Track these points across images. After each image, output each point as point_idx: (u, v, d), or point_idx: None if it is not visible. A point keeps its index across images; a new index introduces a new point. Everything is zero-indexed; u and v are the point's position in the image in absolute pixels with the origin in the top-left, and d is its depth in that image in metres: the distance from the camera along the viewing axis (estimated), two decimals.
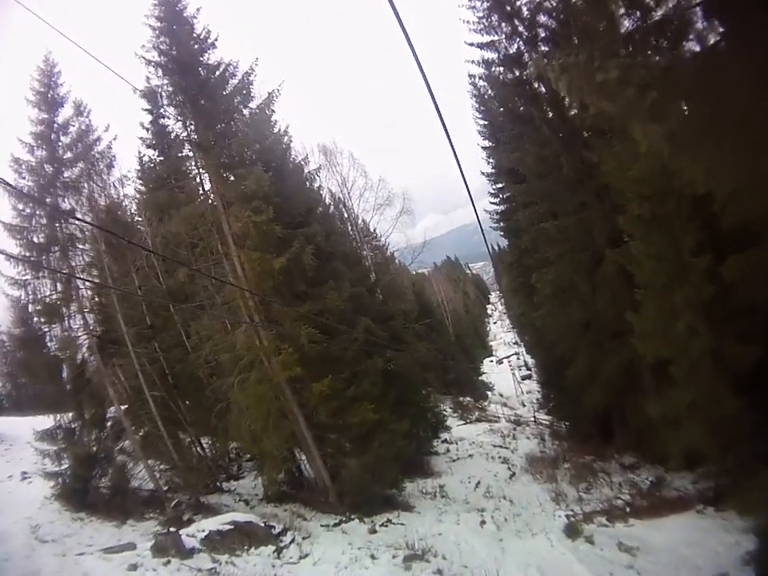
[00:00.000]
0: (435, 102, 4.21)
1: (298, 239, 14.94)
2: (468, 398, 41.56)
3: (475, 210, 7.45)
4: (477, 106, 26.08)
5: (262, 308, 15.14)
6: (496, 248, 55.08)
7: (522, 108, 18.13)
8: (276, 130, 19.02)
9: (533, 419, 32.95)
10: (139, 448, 16.50)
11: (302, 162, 21.12)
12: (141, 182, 22.00)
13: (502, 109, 21.24)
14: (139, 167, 21.53)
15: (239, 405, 14.88)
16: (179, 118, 16.41)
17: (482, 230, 13.12)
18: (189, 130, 16.43)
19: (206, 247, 16.36)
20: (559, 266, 16.21)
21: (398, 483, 16.92)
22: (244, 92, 15.96)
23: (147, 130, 19.39)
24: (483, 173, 26.24)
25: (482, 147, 26.16)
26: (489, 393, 48.02)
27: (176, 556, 10.42)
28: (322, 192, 26.14)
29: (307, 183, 21.48)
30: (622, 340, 15.70)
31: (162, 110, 16.87)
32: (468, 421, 34.74)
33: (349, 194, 29.47)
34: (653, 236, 11.45)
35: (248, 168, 15.49)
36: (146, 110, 18.05)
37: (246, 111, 16.61)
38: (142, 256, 18.21)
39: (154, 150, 19.99)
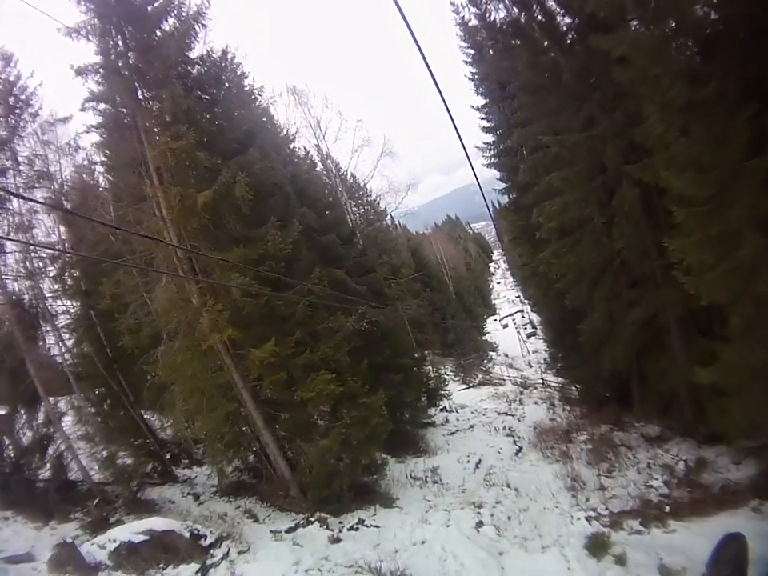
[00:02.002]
0: (425, 59, 4.14)
1: (229, 168, 11.63)
2: (471, 360, 38.90)
3: (473, 168, 6.94)
4: (462, 35, 22.36)
5: (187, 257, 11.97)
6: (497, 206, 52.14)
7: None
8: (216, 55, 15.47)
9: (540, 381, 30.32)
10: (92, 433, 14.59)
11: (254, 89, 17.70)
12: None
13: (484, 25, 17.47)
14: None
15: (163, 380, 12.08)
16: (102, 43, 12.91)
17: (479, 186, 10.21)
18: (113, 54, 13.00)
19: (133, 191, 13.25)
20: (566, 195, 12.87)
21: (377, 469, 14.05)
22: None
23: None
24: (473, 106, 22.60)
25: (470, 78, 22.55)
26: (493, 353, 45.51)
27: (74, 573, 8.83)
28: (286, 130, 22.72)
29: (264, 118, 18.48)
30: (647, 286, 12.72)
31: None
32: (471, 385, 32.60)
33: (324, 137, 25.96)
34: (692, 132, 8.16)
35: (167, 87, 12.13)
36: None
37: (169, 22, 13.08)
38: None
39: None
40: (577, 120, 12.97)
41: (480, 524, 11.00)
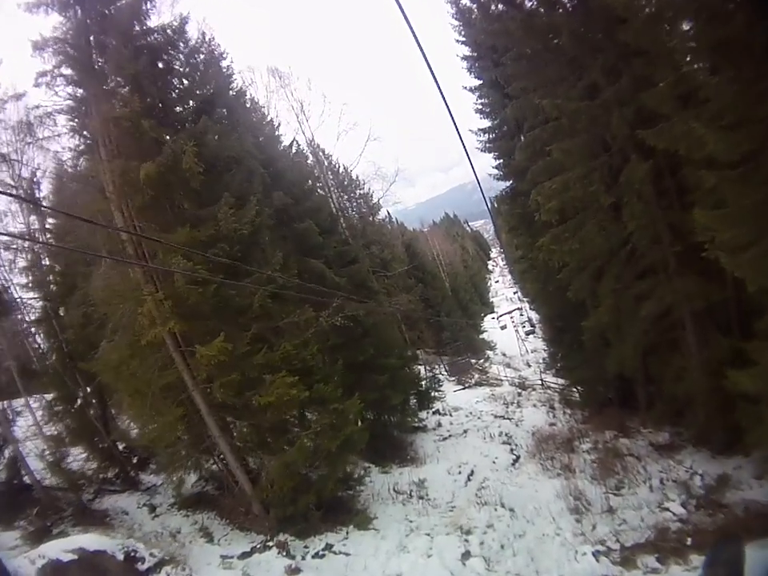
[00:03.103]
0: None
1: (178, 138, 10.03)
2: (467, 359, 37.24)
3: (472, 165, 6.43)
4: (454, 12, 20.74)
5: (131, 240, 10.40)
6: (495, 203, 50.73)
7: None
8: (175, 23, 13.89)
9: (539, 382, 28.79)
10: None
11: (232, 71, 16.38)
12: None
13: None
14: None
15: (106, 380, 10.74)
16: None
17: (478, 182, 8.48)
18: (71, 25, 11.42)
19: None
20: (567, 172, 11.23)
21: (354, 483, 12.42)
22: None
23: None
24: (465, 87, 20.95)
25: (463, 57, 20.94)
26: (490, 352, 43.81)
27: None
28: (269, 116, 21.03)
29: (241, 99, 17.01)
30: (659, 277, 11.30)
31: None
32: (466, 385, 30.68)
33: (307, 120, 24.35)
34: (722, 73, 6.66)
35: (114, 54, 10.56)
36: None
37: None
38: None
39: None
40: (577, 90, 11.38)
41: (467, 555, 9.42)
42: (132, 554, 9.03)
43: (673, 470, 11.84)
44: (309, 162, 25.05)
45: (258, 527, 10.96)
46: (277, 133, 20.87)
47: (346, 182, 34.17)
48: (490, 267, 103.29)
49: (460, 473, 14.69)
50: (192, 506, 12.23)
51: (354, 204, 34.34)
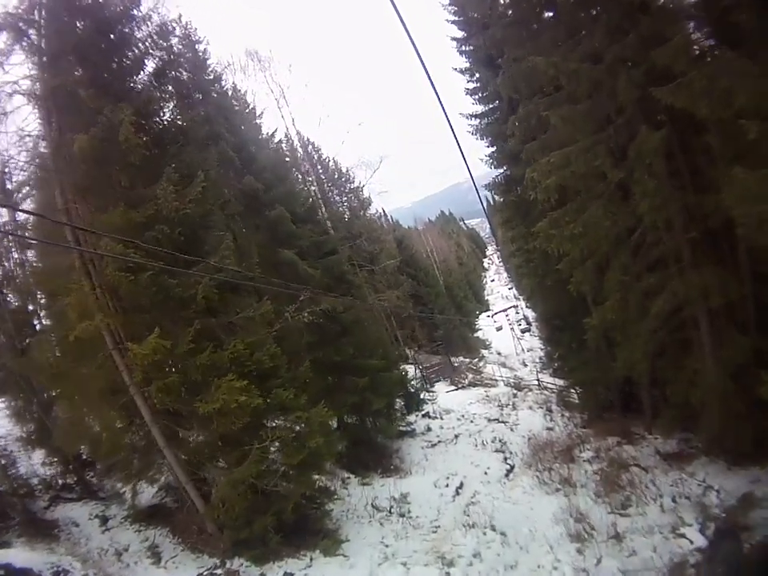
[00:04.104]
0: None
1: (117, 107, 8.59)
2: (461, 358, 36.01)
3: (466, 163, 6.33)
4: None
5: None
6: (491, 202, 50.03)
7: None
8: None
9: (536, 382, 27.71)
10: None
11: (208, 54, 15.32)
12: None
13: None
14: None
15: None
16: None
17: (473, 179, 8.14)
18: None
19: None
20: (568, 145, 9.75)
21: (323, 500, 10.95)
22: None
23: None
24: (456, 68, 19.55)
25: (454, 38, 19.57)
26: (485, 351, 42.62)
27: None
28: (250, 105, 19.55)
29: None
30: (670, 269, 10.20)
31: None
32: (459, 386, 29.37)
33: (288, 105, 22.97)
34: None
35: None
36: None
37: None
38: None
39: None
40: (577, 53, 9.91)
41: None
42: (61, 574, 8.24)
43: (684, 484, 10.49)
44: (287, 147, 23.65)
45: (211, 549, 9.61)
46: (258, 121, 19.48)
47: (336, 176, 33.64)
48: (485, 265, 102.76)
49: (448, 485, 13.25)
50: (146, 520, 10.84)
51: (345, 198, 33.66)
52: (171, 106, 11.19)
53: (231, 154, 14.74)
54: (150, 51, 10.50)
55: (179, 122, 10.95)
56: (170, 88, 13.28)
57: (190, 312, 8.73)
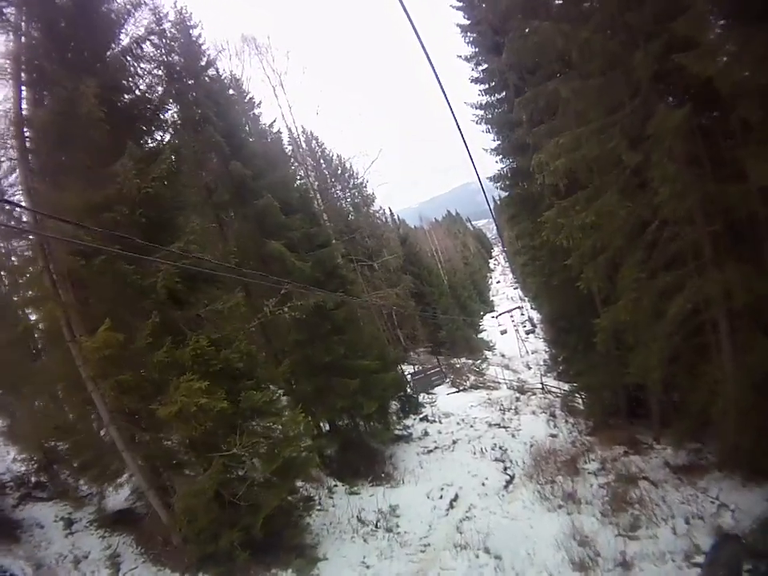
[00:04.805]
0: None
1: (78, 77, 7.73)
2: (463, 360, 35.09)
3: (474, 165, 6.33)
4: None
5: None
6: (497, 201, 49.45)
7: None
8: None
9: (540, 386, 26.94)
10: None
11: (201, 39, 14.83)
12: None
13: None
14: None
15: None
16: None
17: (479, 178, 7.63)
18: None
19: None
20: (582, 123, 8.76)
21: (301, 513, 10.01)
22: None
23: None
24: (460, 56, 18.62)
25: (459, 25, 18.69)
26: (489, 353, 41.63)
27: None
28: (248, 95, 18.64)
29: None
30: (688, 266, 9.25)
31: None
32: (461, 388, 28.48)
33: (285, 94, 22.12)
34: None
35: None
36: None
37: None
38: None
39: None
40: (589, 25, 8.92)
41: None
42: None
43: (696, 502, 9.64)
44: (287, 137, 22.82)
45: (175, 563, 8.74)
46: (256, 111, 18.55)
47: (339, 171, 32.92)
48: (491, 266, 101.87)
49: (441, 497, 12.33)
50: (112, 526, 9.98)
51: (348, 194, 33.09)
52: (147, 83, 10.27)
53: (218, 138, 13.81)
54: (124, 20, 9.65)
55: (149, 96, 9.98)
56: (161, 73, 12.78)
57: (150, 303, 7.79)
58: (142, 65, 10.09)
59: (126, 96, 9.35)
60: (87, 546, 9.39)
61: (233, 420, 8.15)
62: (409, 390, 19.65)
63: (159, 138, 9.71)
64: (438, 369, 21.11)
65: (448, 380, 25.28)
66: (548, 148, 8.93)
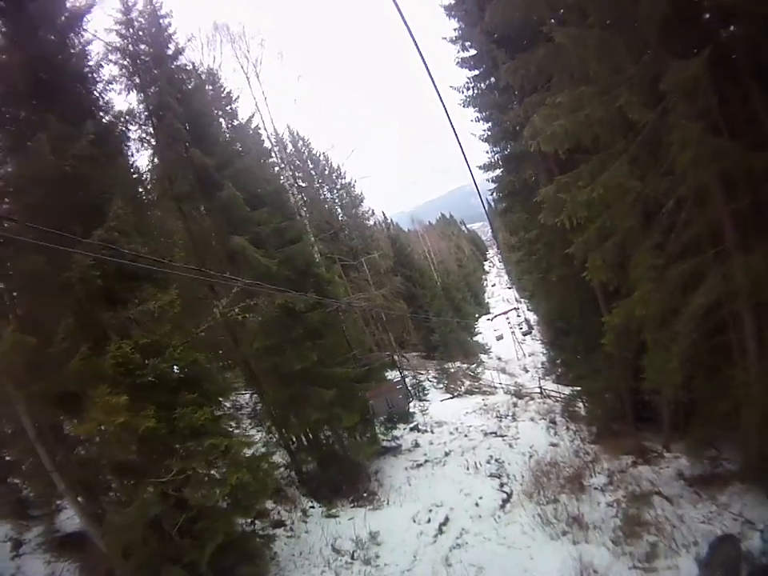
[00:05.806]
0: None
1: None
2: (458, 364, 33.98)
3: (469, 169, 6.30)
4: None
5: None
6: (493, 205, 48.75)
7: None
8: None
9: (538, 390, 25.73)
10: None
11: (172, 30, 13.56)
12: None
13: None
14: None
15: None
16: None
17: (474, 180, 7.25)
18: None
19: None
20: (583, 83, 7.38)
21: (257, 545, 8.60)
22: None
23: None
24: (446, 38, 17.41)
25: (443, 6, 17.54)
26: (484, 356, 40.50)
27: None
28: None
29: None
30: (708, 255, 7.98)
31: None
32: (456, 394, 27.38)
33: (258, 77, 20.70)
34: None
35: None
36: None
37: None
38: None
39: None
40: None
41: None
42: None
43: (717, 520, 8.48)
44: (264, 131, 21.48)
45: None
46: (233, 105, 17.23)
47: (326, 171, 32.71)
48: (486, 268, 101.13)
49: (429, 520, 11.02)
50: (58, 550, 9.10)
51: (336, 194, 33.08)
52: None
53: (179, 126, 12.52)
54: None
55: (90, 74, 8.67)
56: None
57: (71, 300, 6.39)
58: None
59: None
60: (32, 571, 8.78)
61: (170, 440, 6.76)
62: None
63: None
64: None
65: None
66: (544, 110, 7.51)
